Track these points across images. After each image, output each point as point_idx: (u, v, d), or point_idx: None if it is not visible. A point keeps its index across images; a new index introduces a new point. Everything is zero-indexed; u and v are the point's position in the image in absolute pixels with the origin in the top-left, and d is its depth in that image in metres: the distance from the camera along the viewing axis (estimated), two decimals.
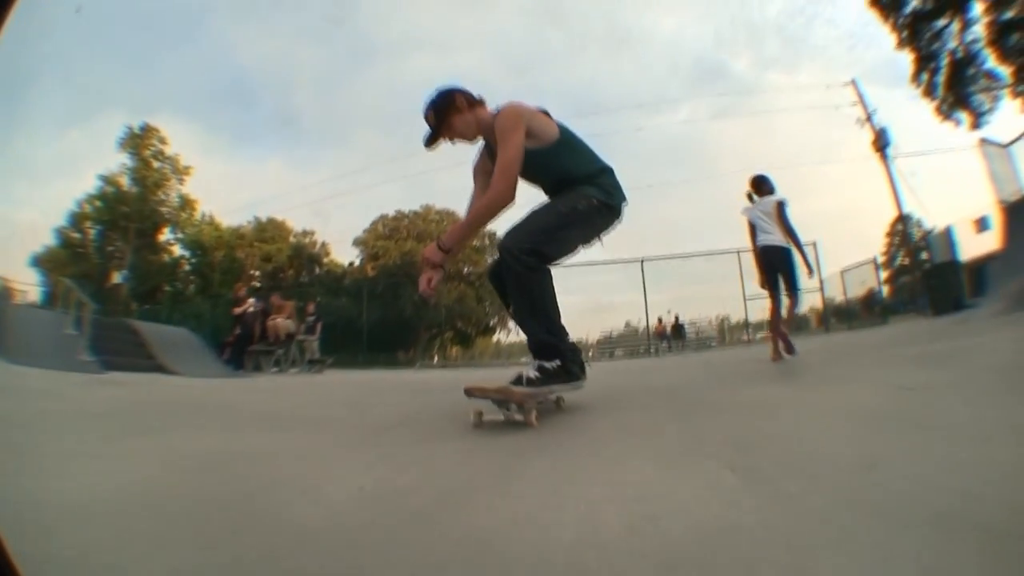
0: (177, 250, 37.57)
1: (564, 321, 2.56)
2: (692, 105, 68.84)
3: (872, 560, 0.85)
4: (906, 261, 36.40)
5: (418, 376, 9.10)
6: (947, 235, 13.75)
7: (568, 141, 2.68)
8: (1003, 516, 0.94)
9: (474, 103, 2.67)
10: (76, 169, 57.45)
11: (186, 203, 37.34)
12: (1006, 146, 10.22)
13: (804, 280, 5.73)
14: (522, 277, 2.39)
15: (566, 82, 71.27)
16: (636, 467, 1.51)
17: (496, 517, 1.18)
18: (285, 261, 37.53)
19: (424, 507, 1.28)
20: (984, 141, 11.18)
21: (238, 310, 11.55)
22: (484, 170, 2.81)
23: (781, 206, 5.67)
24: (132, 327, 10.86)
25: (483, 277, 35.96)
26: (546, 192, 2.79)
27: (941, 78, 16.43)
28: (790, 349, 5.57)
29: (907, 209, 19.26)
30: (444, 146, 2.72)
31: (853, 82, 20.70)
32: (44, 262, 35.11)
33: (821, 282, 18.35)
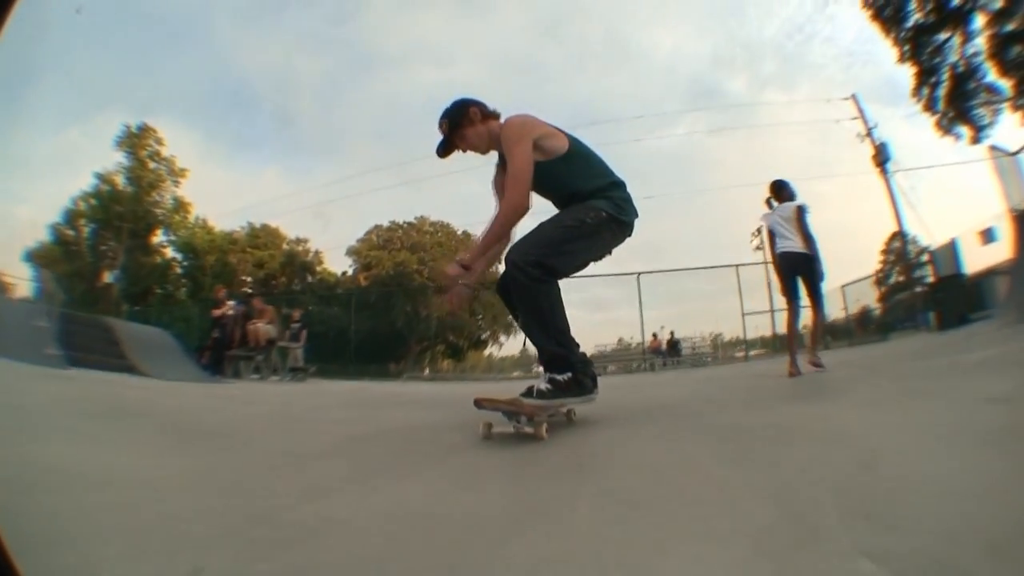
0: (169, 252, 37.30)
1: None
2: (690, 121, 68.89)
3: None
4: (901, 278, 36.16)
5: (402, 389, 8.78)
6: (952, 248, 13.41)
7: (578, 153, 2.65)
8: None
9: (488, 116, 2.69)
10: (74, 166, 57.10)
11: (180, 205, 37.02)
12: (1014, 154, 9.99)
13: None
14: (529, 290, 2.38)
15: (564, 97, 71.52)
16: (671, 517, 1.23)
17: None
18: (277, 268, 37.15)
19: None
20: (994, 148, 10.94)
21: (217, 312, 11.19)
22: (501, 185, 2.78)
23: (801, 211, 5.53)
24: (107, 325, 10.50)
25: (475, 290, 35.75)
26: (557, 206, 2.77)
27: (942, 92, 16.26)
28: (817, 362, 5.42)
29: (907, 224, 18.96)
30: (440, 162, 2.81)
31: (853, 97, 20.55)
32: (38, 258, 34.49)
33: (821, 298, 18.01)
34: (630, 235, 2.74)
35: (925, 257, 19.37)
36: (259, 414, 3.94)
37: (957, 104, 15.94)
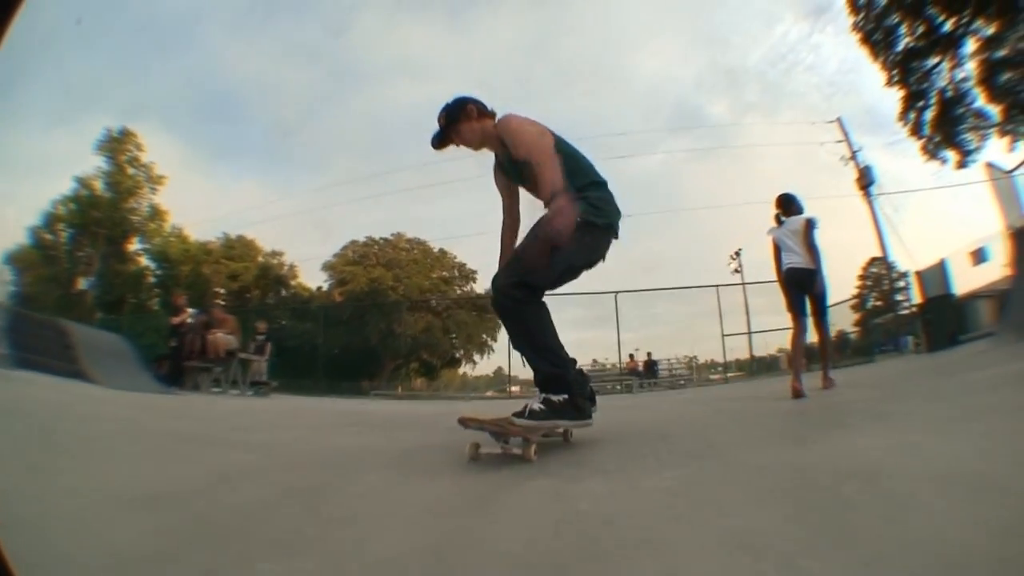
0: (144, 261, 36.57)
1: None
2: (671, 143, 69.16)
3: None
4: (879, 303, 36.35)
5: (362, 407, 8.19)
6: (941, 268, 13.16)
7: (563, 153, 2.57)
8: None
9: (484, 114, 2.74)
10: (57, 169, 56.57)
11: (156, 213, 36.37)
12: (1011, 172, 9.77)
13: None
14: (513, 313, 2.38)
15: (548, 117, 71.30)
16: None
17: None
18: (251, 281, 36.47)
19: None
20: (991, 166, 10.75)
21: (175, 320, 10.53)
22: (501, 183, 2.92)
23: (810, 225, 5.36)
24: (63, 328, 9.89)
25: (449, 308, 35.63)
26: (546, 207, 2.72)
27: (929, 116, 16.23)
28: (828, 381, 5.35)
29: (890, 246, 18.80)
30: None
31: (839, 120, 20.49)
32: (16, 260, 34.21)
33: None
34: (615, 237, 2.66)
35: (902, 283, 19.25)
36: (168, 430, 3.35)
37: (944, 129, 15.90)
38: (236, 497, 1.63)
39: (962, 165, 15.93)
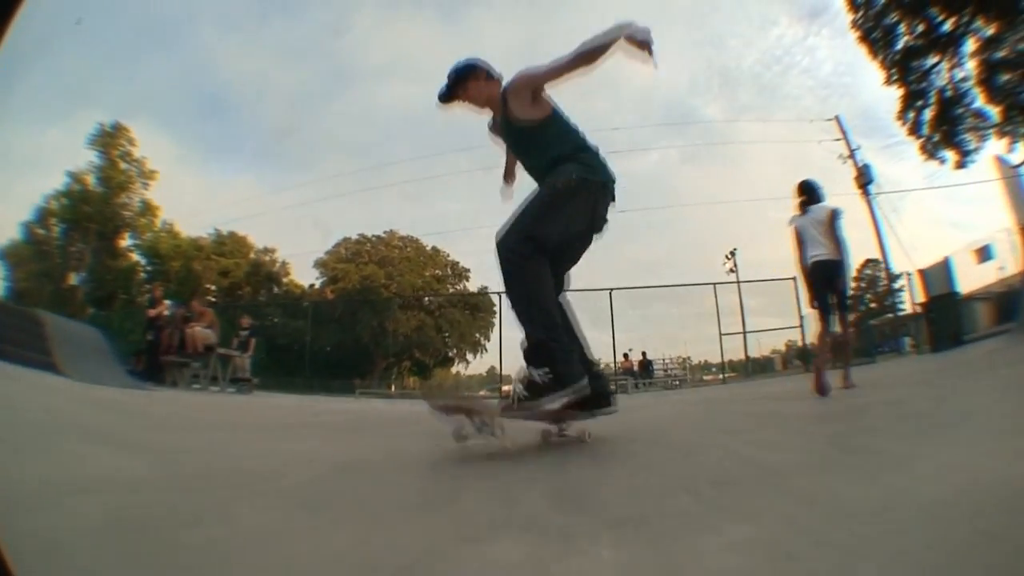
0: (135, 257, 36.34)
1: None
2: (664, 144, 69.19)
3: None
4: (873, 305, 36.15)
5: (344, 407, 7.88)
6: (944, 267, 12.89)
7: (559, 119, 2.70)
8: None
9: (492, 78, 2.81)
10: (52, 165, 56.32)
11: (148, 208, 36.12)
12: (1017, 167, 9.53)
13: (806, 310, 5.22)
14: (517, 268, 2.36)
15: None
16: None
17: None
18: (242, 277, 36.20)
19: None
20: (1000, 160, 10.53)
21: (152, 312, 10.20)
22: (510, 168, 3.06)
23: (836, 215, 5.15)
24: (38, 318, 9.62)
25: (442, 307, 35.35)
26: (534, 176, 2.80)
27: (927, 116, 16.06)
28: (847, 381, 5.07)
29: (888, 247, 18.57)
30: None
31: (837, 118, 20.27)
32: (8, 256, 34.28)
33: (801, 319, 17.59)
34: (612, 199, 2.66)
35: (899, 284, 19.02)
36: (73, 424, 3.04)
37: (943, 128, 15.74)
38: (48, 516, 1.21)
39: (961, 165, 15.78)
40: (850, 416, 3.20)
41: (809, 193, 5.37)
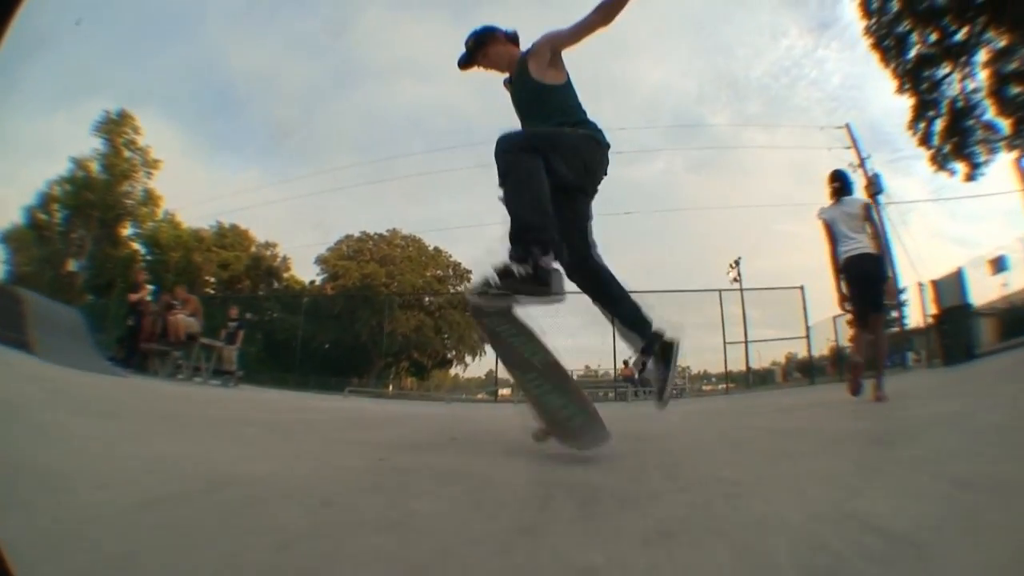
0: (136, 246, 36.15)
1: None
2: (671, 152, 68.73)
3: None
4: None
5: (324, 404, 7.59)
6: (957, 278, 12.49)
7: (572, 89, 2.70)
8: None
9: (511, 40, 2.83)
10: (58, 152, 56.51)
11: (150, 198, 36.01)
12: None
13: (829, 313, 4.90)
14: (514, 160, 2.28)
15: None
16: None
17: None
18: (242, 270, 36.00)
19: None
20: (1019, 164, 10.25)
21: (134, 297, 9.94)
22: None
23: (870, 207, 4.89)
24: (18, 296, 9.41)
25: (442, 308, 35.08)
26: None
27: (938, 127, 15.80)
28: (879, 392, 4.46)
29: (896, 259, 18.26)
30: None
31: (847, 126, 20.03)
32: (10, 240, 34.33)
33: (808, 330, 17.27)
34: (607, 165, 2.64)
35: (905, 297, 18.64)
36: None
37: (954, 139, 15.47)
38: None
39: (970, 177, 15.53)
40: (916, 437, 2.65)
41: (842, 181, 5.08)
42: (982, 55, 14.65)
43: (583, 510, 1.25)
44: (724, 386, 18.89)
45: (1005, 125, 14.76)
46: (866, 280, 4.75)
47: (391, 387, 32.17)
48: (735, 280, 25.62)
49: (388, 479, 1.65)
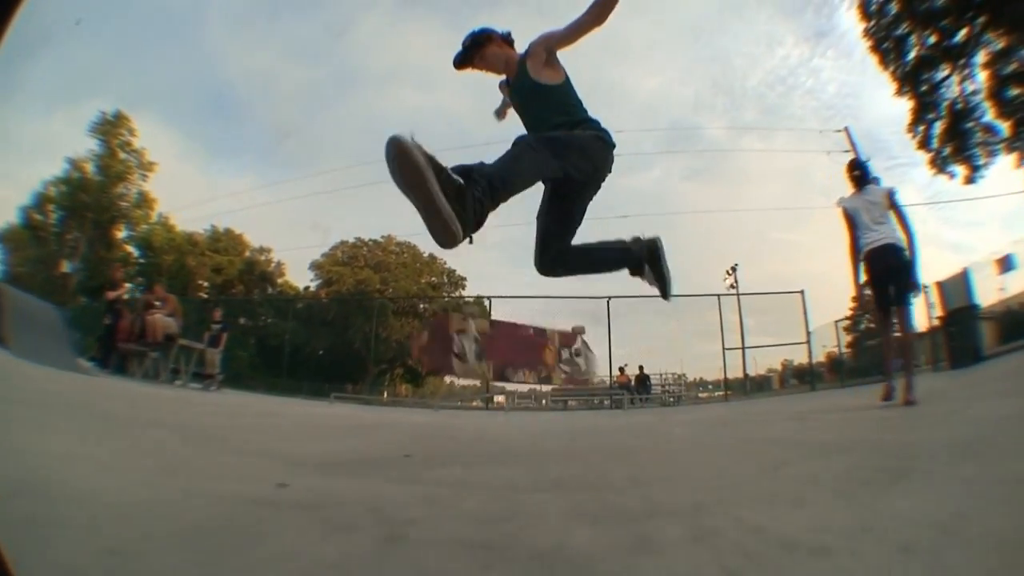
0: (129, 248, 35.87)
1: None
2: (667, 159, 68.72)
3: None
4: (872, 325, 35.55)
5: (304, 411, 7.29)
6: (963, 279, 12.13)
7: (572, 86, 2.70)
8: None
9: (508, 42, 2.83)
10: (54, 151, 56.41)
11: (145, 200, 35.71)
12: None
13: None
14: (522, 147, 2.25)
15: None
16: None
17: None
18: (235, 275, 35.68)
19: None
20: None
21: (111, 295, 9.62)
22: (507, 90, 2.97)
23: (895, 193, 4.60)
24: None
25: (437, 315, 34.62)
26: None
27: (937, 130, 15.65)
28: (910, 395, 4.10)
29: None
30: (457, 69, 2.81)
31: (846, 130, 19.85)
32: (6, 240, 34.00)
33: (808, 335, 16.98)
34: (611, 164, 2.65)
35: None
36: None
37: (954, 142, 15.32)
38: None
39: (970, 180, 15.40)
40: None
41: (863, 169, 4.90)
42: (981, 57, 14.57)
43: None
44: (723, 393, 18.53)
45: (1004, 127, 14.65)
46: (890, 272, 4.52)
47: (385, 394, 31.77)
48: (732, 286, 25.39)
49: (248, 515, 1.22)
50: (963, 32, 14.56)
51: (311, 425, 4.48)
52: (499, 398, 18.73)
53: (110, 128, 34.77)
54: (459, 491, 1.68)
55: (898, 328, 4.66)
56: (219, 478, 1.67)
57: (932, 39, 15.04)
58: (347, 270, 36.14)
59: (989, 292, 13.59)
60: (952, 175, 15.60)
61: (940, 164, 15.66)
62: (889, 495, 1.38)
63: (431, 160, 1.85)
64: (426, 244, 38.45)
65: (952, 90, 15.31)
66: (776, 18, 63.88)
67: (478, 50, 2.77)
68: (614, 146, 2.64)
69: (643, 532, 1.07)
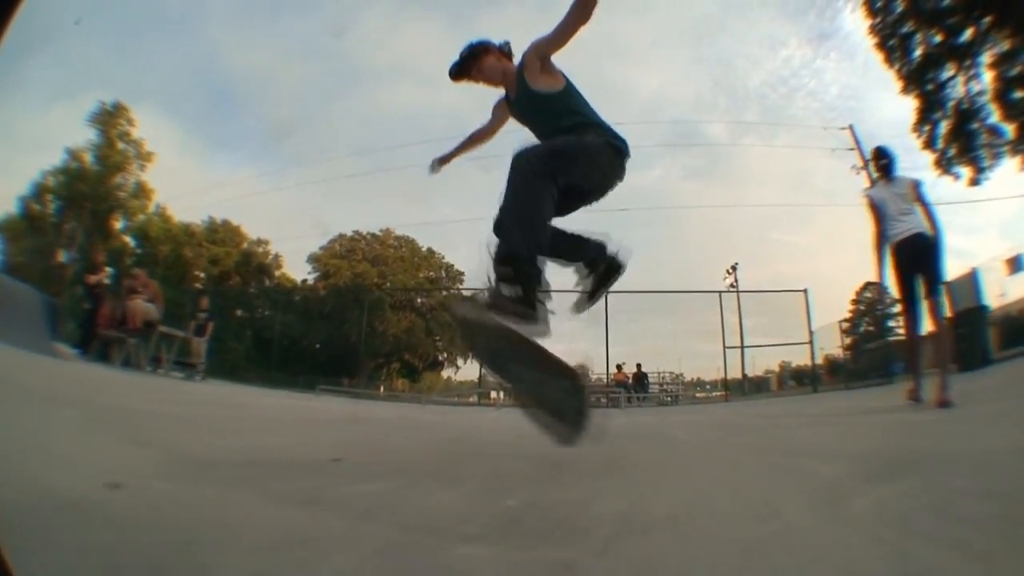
0: (127, 238, 35.79)
1: None
2: (668, 159, 68.48)
3: None
4: (871, 328, 35.27)
5: (274, 402, 7.01)
6: (972, 279, 11.89)
7: (575, 90, 2.64)
8: None
9: (505, 54, 2.80)
10: (52, 144, 56.35)
11: (142, 191, 35.64)
12: None
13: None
14: (529, 178, 2.16)
15: None
16: None
17: None
18: (232, 267, 35.52)
19: None
20: None
21: (92, 279, 9.39)
22: (498, 112, 2.97)
23: (921, 185, 4.49)
24: None
25: (434, 310, 34.58)
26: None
27: (942, 130, 15.46)
28: (945, 395, 3.86)
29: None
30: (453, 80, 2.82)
31: (851, 128, 19.67)
32: (4, 230, 34.00)
33: (811, 335, 16.78)
34: (623, 173, 2.58)
35: (898, 308, 18.15)
36: None
37: (959, 142, 15.13)
38: None
39: (975, 182, 15.21)
40: None
41: (889, 158, 4.72)
42: (987, 57, 14.44)
43: None
44: (721, 394, 18.33)
45: (1009, 130, 14.48)
46: (919, 263, 4.38)
47: (382, 388, 31.58)
48: (732, 285, 25.22)
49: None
50: (969, 31, 14.41)
51: (261, 419, 4.13)
52: (494, 394, 18.59)
53: (109, 118, 34.81)
54: (341, 526, 1.12)
55: (930, 322, 4.49)
56: (62, 468, 1.38)
57: (937, 38, 14.89)
58: (344, 263, 36.09)
59: (991, 297, 13.40)
60: (957, 176, 15.43)
61: (945, 165, 15.45)
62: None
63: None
64: (424, 238, 38.31)
65: (958, 90, 15.16)
66: (779, 19, 63.76)
67: (475, 61, 2.74)
68: (628, 155, 2.56)
69: None
